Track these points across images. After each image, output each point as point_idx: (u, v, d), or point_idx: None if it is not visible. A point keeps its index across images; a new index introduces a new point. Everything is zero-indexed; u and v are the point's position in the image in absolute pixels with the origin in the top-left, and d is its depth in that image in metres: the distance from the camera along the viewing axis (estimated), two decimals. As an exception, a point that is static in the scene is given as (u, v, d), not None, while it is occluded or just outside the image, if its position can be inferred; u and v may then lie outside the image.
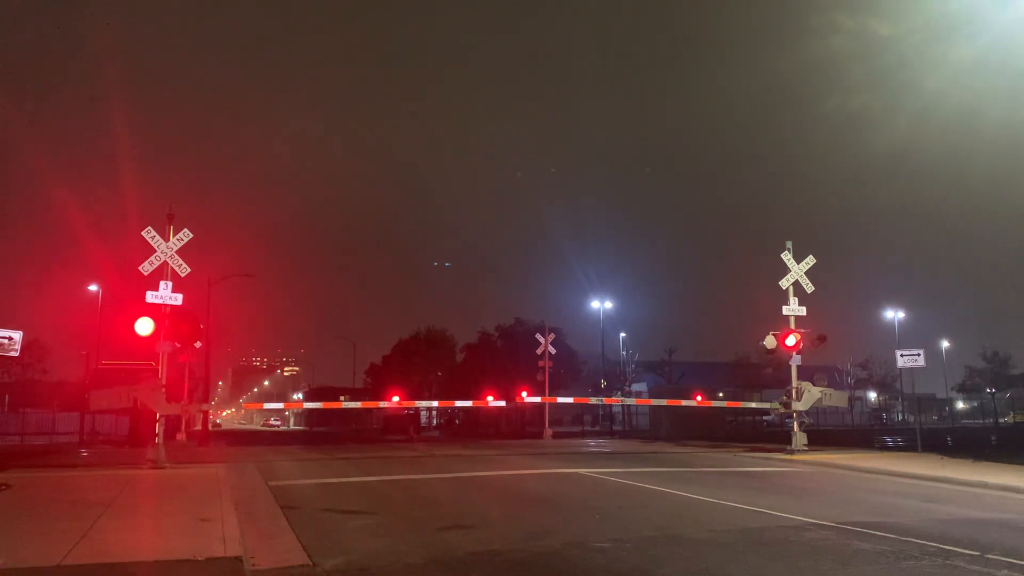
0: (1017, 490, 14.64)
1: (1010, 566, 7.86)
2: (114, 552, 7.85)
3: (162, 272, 19.32)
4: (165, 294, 19.24)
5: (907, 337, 55.44)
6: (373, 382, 76.05)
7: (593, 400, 49.87)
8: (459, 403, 52.28)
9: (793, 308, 25.05)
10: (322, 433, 62.42)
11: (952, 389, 77.88)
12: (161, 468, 17.55)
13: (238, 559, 7.61)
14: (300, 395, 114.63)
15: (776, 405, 27.46)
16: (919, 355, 24.43)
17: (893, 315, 53.55)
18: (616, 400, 51.21)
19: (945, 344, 75.27)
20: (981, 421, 58.64)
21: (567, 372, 55.48)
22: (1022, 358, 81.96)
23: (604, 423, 58.09)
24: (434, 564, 7.80)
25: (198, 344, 34.13)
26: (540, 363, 41.34)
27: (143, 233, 19.36)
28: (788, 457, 22.84)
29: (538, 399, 40.24)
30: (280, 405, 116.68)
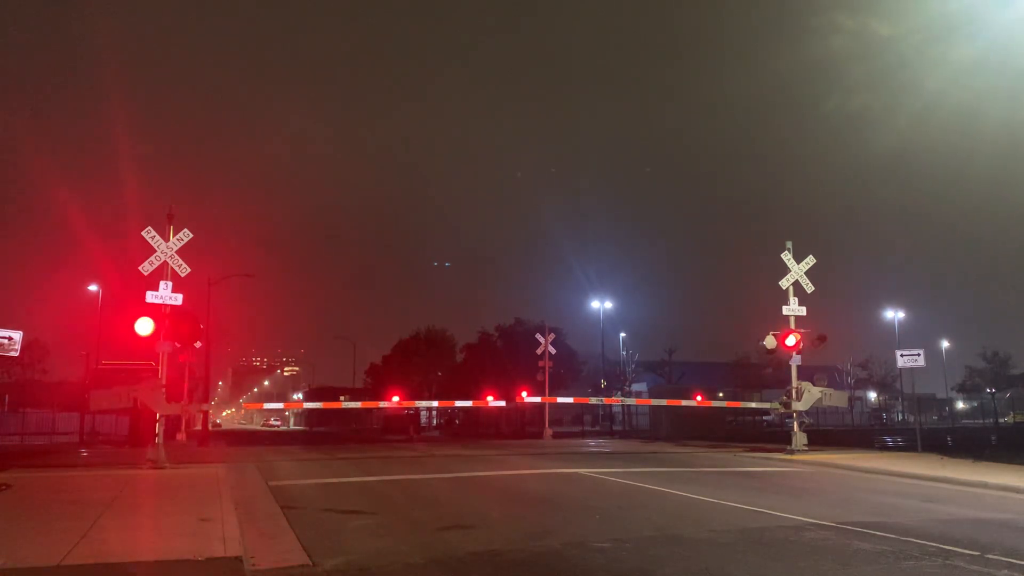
0: (1017, 490, 14.64)
1: (1010, 566, 7.86)
2: (114, 552, 7.85)
3: (162, 272, 19.31)
4: (165, 294, 19.23)
5: (907, 337, 55.54)
6: (373, 382, 76.08)
7: (593, 400, 49.89)
8: (459, 403, 52.31)
9: (793, 308, 25.05)
10: (322, 433, 62.41)
11: (952, 389, 77.97)
12: (161, 468, 17.54)
13: (238, 559, 7.61)
14: (300, 395, 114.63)
15: (776, 405, 27.45)
16: (919, 355, 24.43)
17: (893, 315, 53.55)
18: (616, 400, 51.22)
19: (945, 344, 75.36)
20: (981, 421, 58.60)
21: (567, 372, 55.50)
22: (1022, 358, 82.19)
23: (604, 423, 58.10)
24: (434, 564, 7.80)
25: (198, 344, 34.11)
26: (540, 363, 41.33)
27: (143, 233, 19.35)
28: (788, 457, 22.83)
29: (538, 399, 40.24)
30: (280, 405, 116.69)
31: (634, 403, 52.67)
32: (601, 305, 54.91)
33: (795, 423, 24.72)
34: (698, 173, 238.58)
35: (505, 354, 54.69)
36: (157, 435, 18.70)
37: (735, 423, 50.42)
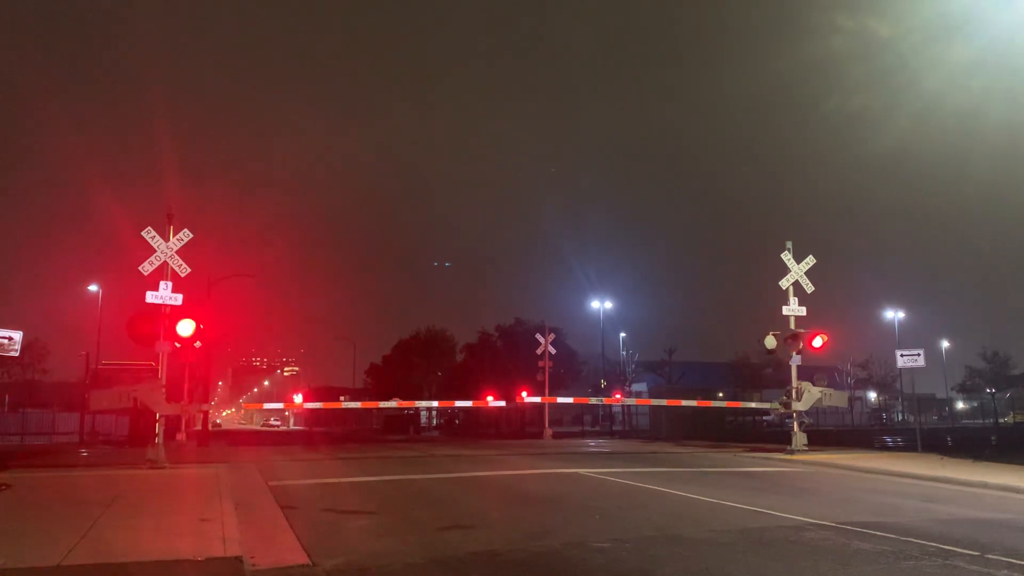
0: (1017, 490, 14.64)
1: (1010, 566, 7.86)
2: (114, 552, 7.85)
3: (162, 272, 19.30)
4: (165, 294, 19.22)
5: (907, 337, 55.41)
6: (373, 382, 76.18)
7: (593, 400, 49.88)
8: (459, 403, 52.32)
9: (793, 308, 25.03)
10: (322, 433, 62.42)
11: (952, 389, 77.91)
12: (161, 468, 17.54)
13: (238, 559, 7.61)
14: (300, 396, 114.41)
15: (776, 405, 27.45)
16: (919, 355, 24.43)
17: (893, 315, 53.51)
18: (616, 400, 51.23)
19: (945, 344, 75.34)
20: (981, 421, 58.55)
21: (567, 372, 55.54)
22: (1022, 358, 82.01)
23: (604, 423, 58.09)
24: (434, 564, 7.80)
25: (198, 344, 34.09)
26: (540, 363, 41.33)
27: (143, 233, 19.33)
28: (788, 457, 22.84)
29: (538, 399, 40.26)
30: (280, 405, 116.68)
31: (634, 403, 52.68)
32: (601, 305, 54.96)
33: (795, 423, 24.72)
34: (698, 173, 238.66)
35: (505, 354, 54.73)
36: (157, 435, 18.70)
37: (735, 423, 50.34)
